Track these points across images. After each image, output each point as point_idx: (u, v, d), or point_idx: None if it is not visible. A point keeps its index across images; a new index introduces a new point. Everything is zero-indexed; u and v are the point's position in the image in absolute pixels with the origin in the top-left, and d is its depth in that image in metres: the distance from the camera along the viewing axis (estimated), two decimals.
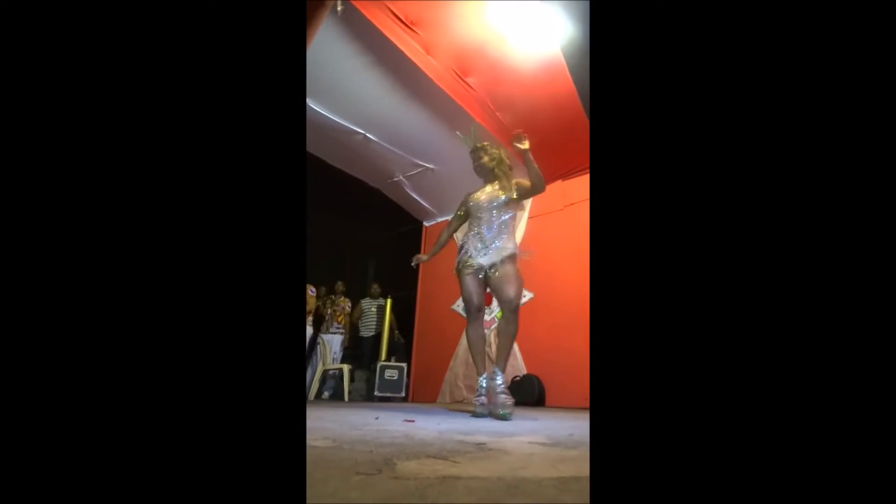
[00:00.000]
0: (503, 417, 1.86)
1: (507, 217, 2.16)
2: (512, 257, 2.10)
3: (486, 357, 2.27)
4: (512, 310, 2.04)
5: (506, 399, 1.93)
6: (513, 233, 2.19)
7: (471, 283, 2.11)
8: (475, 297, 2.11)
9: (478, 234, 2.15)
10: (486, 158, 2.22)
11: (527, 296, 3.87)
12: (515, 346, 3.80)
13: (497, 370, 2.02)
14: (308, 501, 0.46)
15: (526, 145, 1.96)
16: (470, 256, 2.12)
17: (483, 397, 2.05)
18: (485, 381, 2.06)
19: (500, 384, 1.98)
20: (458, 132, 2.46)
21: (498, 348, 2.10)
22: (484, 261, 2.09)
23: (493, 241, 2.11)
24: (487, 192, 2.20)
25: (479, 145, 2.29)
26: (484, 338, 2.23)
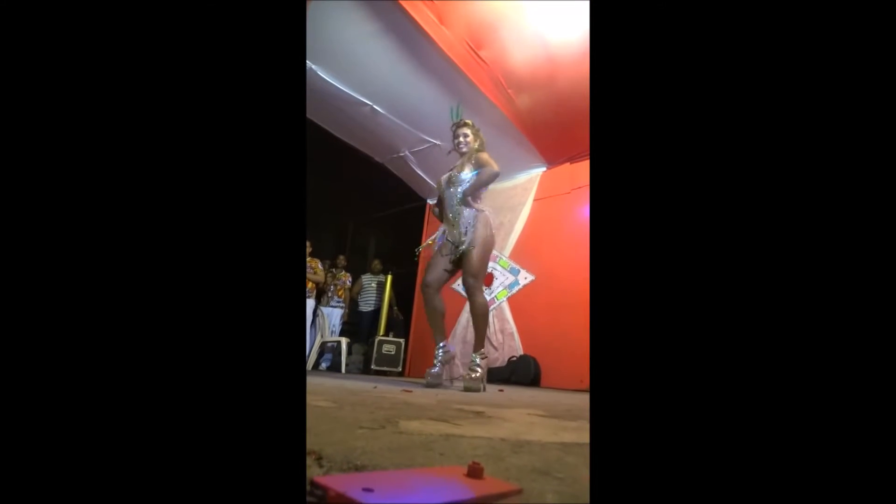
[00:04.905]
0: (475, 390, 1.92)
1: (461, 189, 2.18)
2: (477, 221, 2.13)
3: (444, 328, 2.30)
4: (470, 290, 2.09)
5: (481, 374, 2.02)
6: (476, 201, 2.19)
7: (440, 262, 2.17)
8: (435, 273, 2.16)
9: (448, 211, 2.23)
10: (471, 138, 2.27)
11: (528, 277, 3.87)
12: (514, 326, 3.82)
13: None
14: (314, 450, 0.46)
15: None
16: (444, 237, 2.20)
17: (439, 368, 2.12)
18: (442, 351, 2.13)
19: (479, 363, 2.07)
20: (451, 105, 2.46)
21: (478, 329, 2.14)
22: (452, 238, 2.16)
23: (458, 217, 2.17)
24: (450, 173, 2.26)
25: (466, 121, 2.32)
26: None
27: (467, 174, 2.18)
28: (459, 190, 2.18)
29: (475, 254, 2.08)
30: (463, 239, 2.12)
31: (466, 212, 2.16)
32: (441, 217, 2.29)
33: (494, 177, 2.17)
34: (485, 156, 2.19)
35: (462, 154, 2.28)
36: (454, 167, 2.26)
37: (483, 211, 2.18)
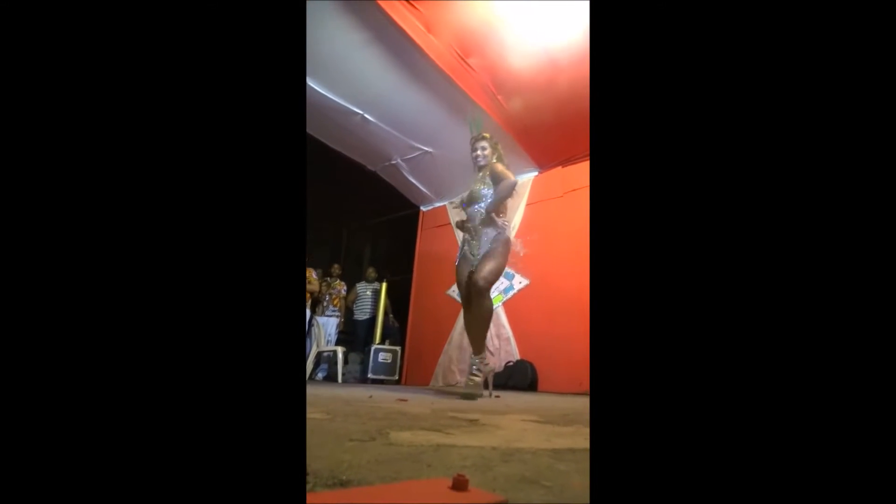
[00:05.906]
0: (473, 397, 1.92)
1: (482, 205, 2.19)
2: (497, 240, 2.14)
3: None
4: (478, 291, 2.05)
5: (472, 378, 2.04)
6: (499, 216, 2.20)
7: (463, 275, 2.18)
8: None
9: (471, 227, 2.23)
10: (489, 151, 2.28)
11: (523, 282, 3.87)
12: (510, 331, 3.82)
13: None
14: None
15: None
16: (467, 250, 2.21)
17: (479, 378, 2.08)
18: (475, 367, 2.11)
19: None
20: (466, 116, 2.47)
21: (478, 332, 2.13)
22: (472, 253, 2.17)
23: (480, 233, 2.18)
24: (471, 190, 2.26)
25: (484, 135, 2.33)
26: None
27: (487, 190, 2.18)
28: (481, 206, 2.17)
29: (491, 260, 2.07)
30: (479, 255, 2.12)
31: (489, 230, 2.15)
32: (463, 229, 2.29)
33: (512, 187, 2.15)
34: (500, 167, 2.18)
35: (480, 168, 2.28)
36: (474, 182, 2.25)
37: (504, 231, 2.17)
